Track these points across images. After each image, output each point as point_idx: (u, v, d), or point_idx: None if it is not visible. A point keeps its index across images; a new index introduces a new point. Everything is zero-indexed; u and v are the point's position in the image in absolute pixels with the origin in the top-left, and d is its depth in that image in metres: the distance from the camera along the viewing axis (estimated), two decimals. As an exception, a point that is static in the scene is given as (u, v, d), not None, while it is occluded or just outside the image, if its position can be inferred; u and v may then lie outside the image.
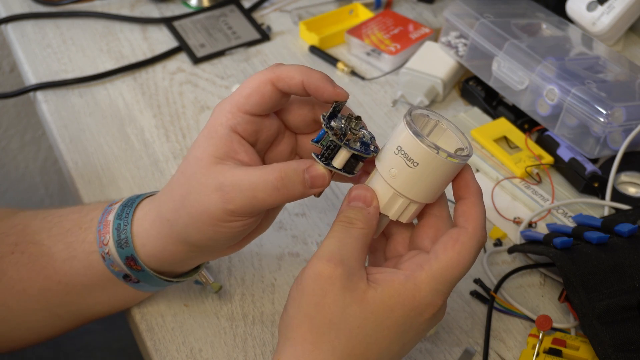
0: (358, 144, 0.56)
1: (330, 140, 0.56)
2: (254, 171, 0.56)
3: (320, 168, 0.56)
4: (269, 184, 0.55)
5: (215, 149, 0.57)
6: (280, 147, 0.62)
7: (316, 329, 0.53)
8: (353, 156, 0.56)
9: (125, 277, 0.63)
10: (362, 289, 0.53)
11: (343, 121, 0.56)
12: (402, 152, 0.54)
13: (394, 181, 0.55)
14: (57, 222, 0.66)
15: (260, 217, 0.60)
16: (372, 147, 0.57)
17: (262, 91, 0.57)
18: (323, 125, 0.56)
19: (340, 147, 0.56)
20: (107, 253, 0.62)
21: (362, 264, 0.55)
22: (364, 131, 0.57)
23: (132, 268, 0.62)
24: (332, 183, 0.81)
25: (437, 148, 0.53)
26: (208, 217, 0.57)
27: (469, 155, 0.55)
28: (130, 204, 0.63)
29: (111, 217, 0.63)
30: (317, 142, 0.58)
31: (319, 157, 0.56)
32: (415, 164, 0.54)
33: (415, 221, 0.59)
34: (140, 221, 0.62)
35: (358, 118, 0.57)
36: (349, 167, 0.57)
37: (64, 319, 0.69)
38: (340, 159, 0.56)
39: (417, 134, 0.53)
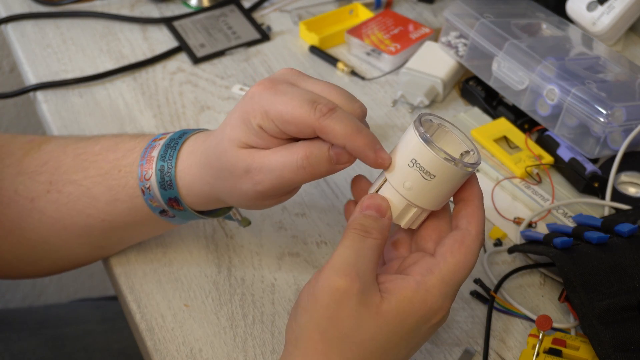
0: None
1: None
2: (279, 151, 0.56)
3: None
4: (294, 163, 0.56)
5: (246, 137, 0.57)
6: None
7: (328, 340, 0.53)
8: None
9: (162, 212, 0.65)
10: (377, 302, 0.53)
11: None
12: (418, 165, 0.54)
13: (409, 193, 0.55)
14: (92, 161, 0.67)
15: (293, 192, 0.61)
16: None
17: (301, 130, 0.55)
18: None
19: None
20: (148, 188, 0.64)
21: (375, 275, 0.54)
22: None
23: (174, 207, 0.64)
24: (332, 183, 0.81)
25: (454, 159, 0.53)
26: (242, 196, 0.59)
27: (478, 162, 0.55)
28: (174, 146, 0.63)
29: (155, 154, 0.64)
30: None
31: None
32: (432, 177, 0.54)
33: None
34: (184, 168, 0.63)
35: None
36: None
37: (105, 248, 0.72)
38: None
39: (432, 146, 0.53)
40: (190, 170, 0.62)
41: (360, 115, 0.57)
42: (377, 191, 0.57)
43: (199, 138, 0.63)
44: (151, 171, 0.63)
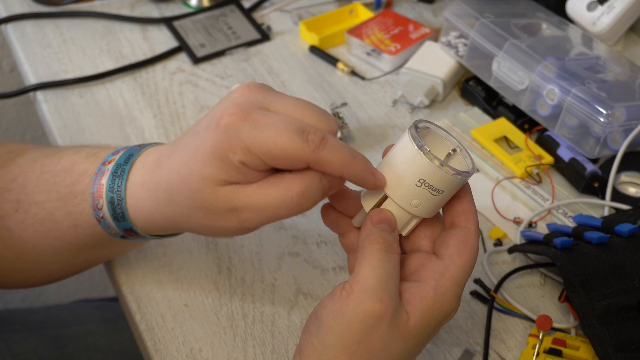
0: None
1: None
2: (268, 188, 0.53)
3: None
4: (290, 201, 0.53)
5: (225, 174, 0.53)
6: None
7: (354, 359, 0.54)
8: None
9: (123, 236, 0.62)
10: (405, 321, 0.53)
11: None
12: (427, 184, 0.54)
13: (415, 209, 0.55)
14: (53, 182, 0.64)
15: None
16: None
17: (293, 164, 0.52)
18: None
19: None
20: (102, 217, 0.61)
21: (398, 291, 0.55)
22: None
23: (132, 236, 0.62)
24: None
25: (459, 172, 0.54)
26: (221, 231, 0.56)
27: (473, 165, 0.56)
28: (120, 174, 0.60)
29: (104, 181, 0.60)
30: None
31: None
32: (440, 192, 0.54)
33: None
34: (137, 202, 0.59)
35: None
36: None
37: (79, 266, 0.70)
38: None
39: (443, 166, 0.53)
40: (145, 205, 0.59)
41: (336, 131, 0.55)
42: (377, 205, 0.56)
43: (148, 166, 0.59)
44: (102, 201, 0.60)
